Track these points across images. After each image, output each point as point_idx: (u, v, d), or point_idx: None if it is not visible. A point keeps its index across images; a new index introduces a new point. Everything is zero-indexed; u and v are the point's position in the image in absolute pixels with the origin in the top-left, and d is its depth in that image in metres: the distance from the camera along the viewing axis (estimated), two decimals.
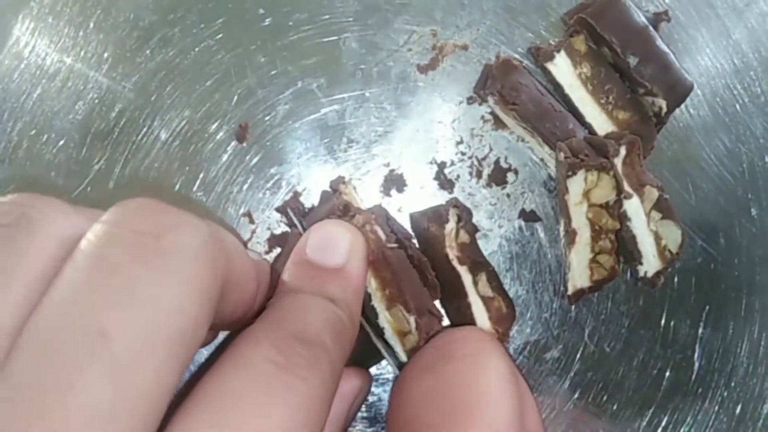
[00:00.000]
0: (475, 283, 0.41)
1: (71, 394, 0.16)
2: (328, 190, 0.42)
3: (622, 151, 0.40)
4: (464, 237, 0.41)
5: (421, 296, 0.38)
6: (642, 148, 0.40)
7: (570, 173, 0.39)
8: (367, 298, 0.36)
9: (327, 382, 0.22)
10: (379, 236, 0.36)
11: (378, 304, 0.37)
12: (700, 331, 0.44)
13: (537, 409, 0.38)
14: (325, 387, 0.22)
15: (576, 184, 0.40)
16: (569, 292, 0.42)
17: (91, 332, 0.17)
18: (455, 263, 0.40)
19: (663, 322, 0.44)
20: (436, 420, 0.28)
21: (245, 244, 0.42)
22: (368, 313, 0.37)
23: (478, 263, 0.41)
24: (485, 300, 0.41)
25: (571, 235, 0.40)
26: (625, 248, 0.41)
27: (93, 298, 0.17)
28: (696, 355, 0.44)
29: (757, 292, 0.44)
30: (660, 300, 0.43)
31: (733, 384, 0.44)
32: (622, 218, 0.40)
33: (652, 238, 0.41)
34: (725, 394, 0.44)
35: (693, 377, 0.44)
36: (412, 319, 0.37)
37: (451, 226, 0.40)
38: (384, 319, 0.37)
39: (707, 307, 0.44)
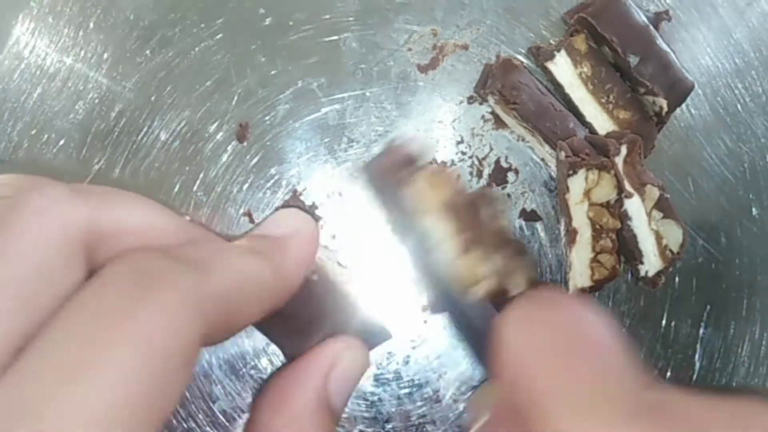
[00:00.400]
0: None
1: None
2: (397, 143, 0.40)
3: (623, 150, 0.39)
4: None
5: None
6: (643, 148, 0.40)
7: (571, 172, 0.39)
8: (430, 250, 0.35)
9: (191, 302, 0.19)
10: (454, 181, 0.35)
11: (448, 251, 0.35)
12: (701, 331, 0.44)
13: None
14: (187, 308, 0.19)
15: (577, 183, 0.39)
16: (570, 292, 0.42)
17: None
18: None
19: (664, 321, 0.44)
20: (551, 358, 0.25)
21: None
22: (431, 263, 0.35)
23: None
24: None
25: (571, 234, 0.40)
26: (626, 248, 0.41)
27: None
28: (697, 355, 0.44)
29: (758, 292, 0.44)
30: (661, 300, 0.43)
31: (734, 384, 0.44)
32: (623, 217, 0.40)
33: (653, 237, 0.41)
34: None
35: (694, 377, 0.44)
36: (489, 263, 0.35)
37: None
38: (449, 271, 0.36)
39: (708, 307, 0.44)
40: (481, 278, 0.34)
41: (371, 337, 0.37)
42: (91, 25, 0.41)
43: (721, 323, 0.44)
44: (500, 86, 0.40)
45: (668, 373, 0.43)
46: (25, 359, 0.17)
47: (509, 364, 0.23)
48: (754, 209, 0.44)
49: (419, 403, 0.43)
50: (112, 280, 0.19)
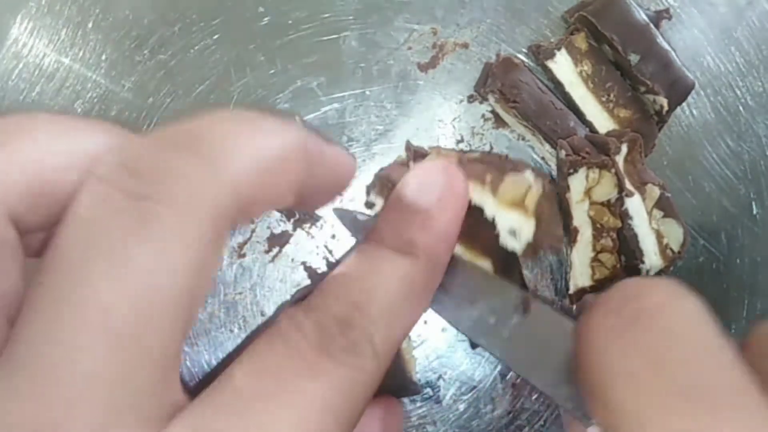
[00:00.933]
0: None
1: (72, 371, 0.16)
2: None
3: (624, 149, 0.39)
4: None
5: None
6: (643, 147, 0.40)
7: (571, 170, 0.39)
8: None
9: (369, 369, 0.21)
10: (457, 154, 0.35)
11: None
12: None
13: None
14: (366, 374, 0.20)
15: (577, 182, 0.39)
16: (570, 292, 0.42)
17: (90, 307, 0.17)
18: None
19: None
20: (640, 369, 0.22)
21: (243, 244, 0.42)
22: None
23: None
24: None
25: (572, 233, 0.40)
26: (627, 247, 0.41)
27: (86, 273, 0.17)
28: None
29: (759, 292, 0.43)
30: None
31: None
32: (624, 216, 0.40)
33: (653, 236, 0.40)
34: None
35: None
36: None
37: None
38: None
39: (709, 307, 0.43)
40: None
41: (403, 391, 0.39)
42: (90, 25, 0.41)
43: (722, 323, 0.43)
44: (500, 85, 0.40)
45: None
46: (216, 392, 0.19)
47: (601, 387, 0.21)
48: (755, 209, 0.44)
49: (419, 403, 0.42)
50: (299, 340, 0.20)
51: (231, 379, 0.19)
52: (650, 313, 0.21)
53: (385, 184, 0.32)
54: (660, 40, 0.40)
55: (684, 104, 0.42)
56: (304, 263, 0.42)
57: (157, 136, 0.19)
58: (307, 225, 0.42)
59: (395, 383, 0.39)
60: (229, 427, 0.17)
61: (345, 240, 0.42)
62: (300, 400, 0.18)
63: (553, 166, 0.42)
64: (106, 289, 0.17)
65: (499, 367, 0.43)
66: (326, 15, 0.42)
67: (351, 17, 0.42)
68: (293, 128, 0.21)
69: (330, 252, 0.42)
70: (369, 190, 0.38)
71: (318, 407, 0.19)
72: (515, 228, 0.31)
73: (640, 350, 0.20)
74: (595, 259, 0.41)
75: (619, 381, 0.20)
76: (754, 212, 0.44)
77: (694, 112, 0.43)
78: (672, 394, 0.19)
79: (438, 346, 0.43)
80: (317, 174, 0.22)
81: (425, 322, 0.42)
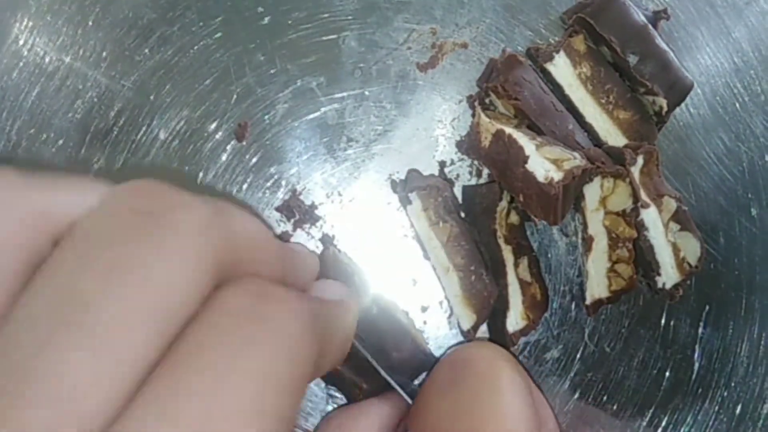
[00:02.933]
0: (516, 265, 0.41)
1: (46, 363, 0.16)
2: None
3: (640, 160, 0.39)
4: (514, 218, 0.42)
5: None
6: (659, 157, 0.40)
7: (586, 180, 0.39)
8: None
9: (305, 333, 0.20)
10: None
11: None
12: (700, 330, 0.44)
13: (555, 419, 0.39)
14: (303, 340, 0.20)
15: (592, 191, 0.39)
16: (587, 302, 0.42)
17: (74, 303, 0.17)
18: (501, 242, 0.41)
19: (663, 322, 0.44)
20: None
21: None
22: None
23: (522, 246, 0.41)
24: (522, 284, 0.41)
25: (587, 242, 0.40)
26: (643, 259, 0.41)
27: (81, 272, 0.18)
28: (696, 355, 0.44)
29: (757, 292, 0.44)
30: (660, 300, 0.43)
31: (733, 384, 0.44)
32: (640, 227, 0.40)
33: (670, 249, 0.40)
34: (725, 394, 0.43)
35: (693, 377, 0.44)
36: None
37: (503, 204, 0.41)
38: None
39: (707, 307, 0.44)
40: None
41: (423, 366, 0.40)
42: (90, 23, 0.41)
43: (720, 323, 0.44)
44: (503, 80, 0.40)
45: (667, 373, 0.43)
46: (172, 371, 0.18)
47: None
48: (752, 209, 0.44)
49: None
50: (235, 307, 0.20)
51: (158, 375, 0.18)
52: (471, 382, 0.28)
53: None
54: (658, 40, 0.41)
55: (682, 104, 0.42)
56: None
57: None
58: (307, 225, 0.42)
59: (414, 362, 0.40)
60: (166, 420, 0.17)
61: (345, 240, 0.42)
62: (234, 378, 0.18)
63: None
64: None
65: None
66: (325, 15, 0.42)
67: (350, 17, 0.42)
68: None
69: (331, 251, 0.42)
70: (402, 186, 0.40)
71: (254, 381, 0.18)
72: (547, 171, 0.36)
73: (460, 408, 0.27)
74: (611, 270, 0.41)
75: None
76: (752, 212, 0.44)
77: (693, 112, 0.44)
78: None
79: (438, 346, 0.43)
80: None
81: (425, 323, 0.43)
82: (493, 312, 0.42)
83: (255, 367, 0.18)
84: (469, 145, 0.42)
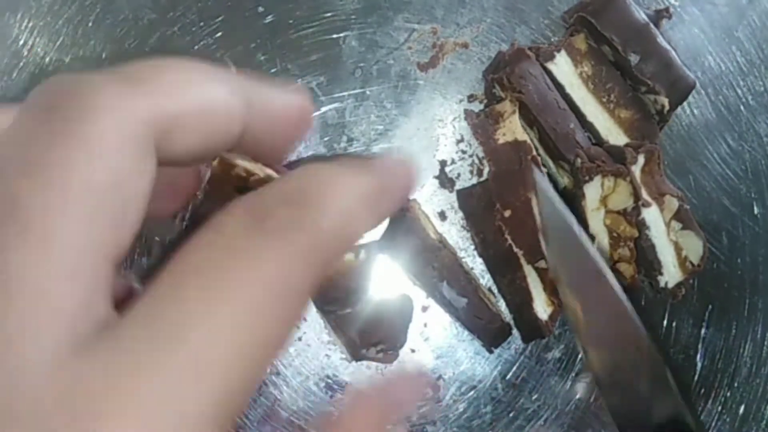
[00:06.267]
0: None
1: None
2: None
3: (641, 159, 0.39)
4: None
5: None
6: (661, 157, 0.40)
7: (586, 178, 0.39)
8: None
9: (314, 250, 0.19)
10: None
11: None
12: (703, 331, 0.43)
13: None
14: (310, 255, 0.19)
15: (593, 190, 0.39)
16: None
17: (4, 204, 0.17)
18: (508, 236, 0.40)
19: (665, 322, 0.43)
20: None
21: None
22: None
23: None
24: (539, 271, 0.41)
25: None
26: (645, 258, 0.41)
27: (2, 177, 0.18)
28: (698, 356, 0.43)
29: (760, 292, 0.43)
30: (662, 300, 0.43)
31: (736, 384, 0.43)
32: (641, 226, 0.40)
33: (672, 248, 0.40)
34: (728, 394, 0.43)
35: (696, 378, 0.43)
36: None
37: None
38: None
39: (710, 307, 0.43)
40: None
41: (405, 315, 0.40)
42: (90, 23, 0.41)
43: (723, 323, 0.43)
44: (509, 72, 0.40)
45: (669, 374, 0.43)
46: (158, 288, 0.18)
47: None
48: (756, 208, 0.43)
49: (419, 403, 0.42)
50: (232, 226, 0.19)
51: (159, 284, 0.18)
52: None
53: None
54: (660, 39, 0.40)
55: (685, 104, 0.42)
56: None
57: None
58: None
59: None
60: (158, 342, 0.17)
61: None
62: (239, 295, 0.18)
63: (547, 164, 0.42)
64: None
65: (499, 367, 0.43)
66: (326, 15, 0.42)
67: (351, 17, 0.42)
68: (231, 80, 0.21)
69: None
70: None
71: (260, 296, 0.18)
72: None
73: None
74: (613, 269, 0.41)
75: None
76: (755, 212, 0.43)
77: (695, 111, 0.43)
78: None
79: (438, 346, 0.43)
80: (262, 121, 0.22)
81: (425, 325, 0.42)
82: (517, 308, 0.41)
83: (243, 297, 0.18)
84: (482, 125, 0.41)
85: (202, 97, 0.21)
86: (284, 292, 0.18)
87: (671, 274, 0.41)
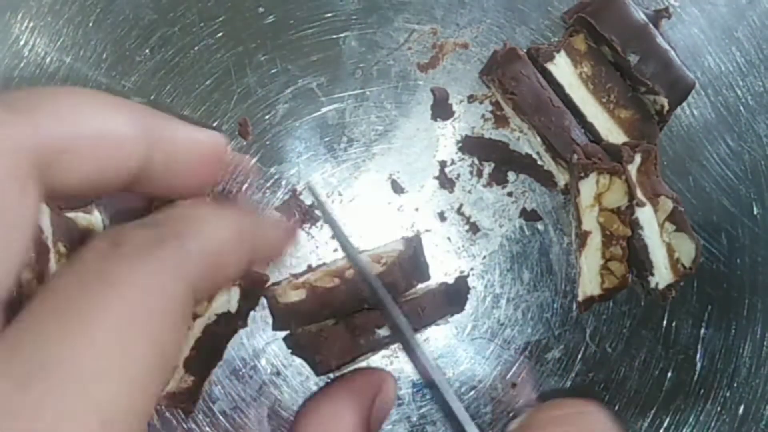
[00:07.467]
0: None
1: None
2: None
3: (637, 158, 0.39)
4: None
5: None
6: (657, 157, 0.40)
7: (582, 175, 0.39)
8: None
9: (180, 270, 0.20)
10: None
11: None
12: (702, 331, 0.43)
13: None
14: (177, 275, 0.20)
15: (588, 187, 0.39)
16: (579, 299, 0.42)
17: None
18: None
19: (665, 322, 0.43)
20: None
21: None
22: None
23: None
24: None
25: (581, 237, 0.40)
26: (637, 258, 0.41)
27: None
28: (698, 356, 0.43)
29: (759, 292, 0.43)
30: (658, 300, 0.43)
31: (735, 385, 0.43)
32: (634, 226, 0.40)
33: (664, 249, 0.40)
34: (728, 394, 0.43)
35: (695, 378, 0.43)
36: None
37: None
38: None
39: (709, 307, 0.43)
40: None
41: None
42: (91, 24, 0.41)
43: (723, 323, 0.43)
44: (500, 74, 0.40)
45: (669, 374, 0.43)
46: (20, 324, 0.18)
47: None
48: (755, 209, 0.43)
49: (419, 404, 0.42)
50: (94, 255, 0.19)
51: (20, 322, 0.18)
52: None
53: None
54: (659, 39, 0.40)
55: (684, 104, 0.42)
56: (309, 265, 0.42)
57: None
58: (307, 225, 0.42)
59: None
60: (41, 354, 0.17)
61: None
62: (98, 315, 0.18)
63: (547, 162, 0.42)
64: None
65: (499, 367, 0.43)
66: (327, 15, 0.42)
67: (351, 17, 0.42)
68: (131, 111, 0.22)
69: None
70: None
71: (123, 313, 0.18)
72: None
73: None
74: (604, 267, 0.41)
75: None
76: (755, 212, 0.43)
77: (695, 111, 0.43)
78: None
79: (438, 346, 0.43)
80: (164, 156, 0.23)
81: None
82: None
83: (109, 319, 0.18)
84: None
85: (92, 124, 0.21)
86: (153, 305, 0.19)
87: (662, 276, 0.41)
